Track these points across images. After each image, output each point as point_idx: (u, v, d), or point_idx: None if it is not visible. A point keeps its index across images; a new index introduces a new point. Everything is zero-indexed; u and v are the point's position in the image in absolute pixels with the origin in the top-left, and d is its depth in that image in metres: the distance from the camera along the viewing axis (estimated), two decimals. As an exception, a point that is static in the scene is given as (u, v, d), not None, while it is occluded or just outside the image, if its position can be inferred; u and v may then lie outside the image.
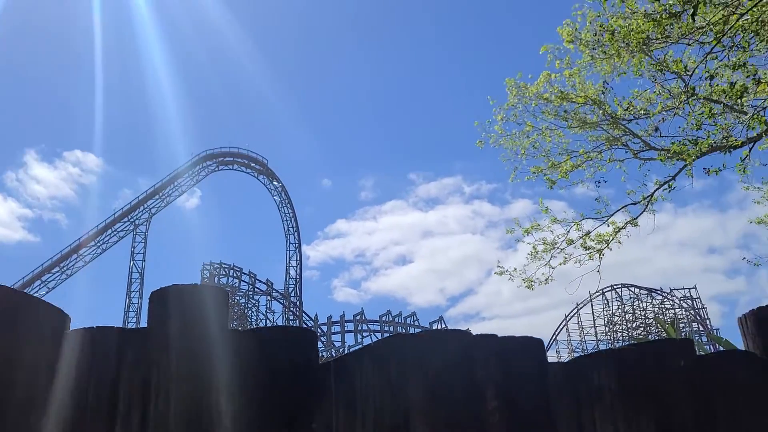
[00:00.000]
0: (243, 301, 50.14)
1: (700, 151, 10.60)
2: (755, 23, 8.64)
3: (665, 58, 11.14)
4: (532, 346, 1.65)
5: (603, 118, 13.44)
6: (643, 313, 53.18)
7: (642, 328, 51.51)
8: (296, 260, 55.34)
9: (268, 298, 51.45)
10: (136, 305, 47.12)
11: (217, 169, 54.02)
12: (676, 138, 11.95)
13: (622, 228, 13.64)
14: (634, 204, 13.54)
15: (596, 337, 52.47)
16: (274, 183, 55.50)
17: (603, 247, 13.73)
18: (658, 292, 53.33)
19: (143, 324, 1.72)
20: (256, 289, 51.13)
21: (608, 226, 13.74)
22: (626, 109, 12.50)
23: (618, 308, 53.85)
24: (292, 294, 53.48)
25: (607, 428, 1.53)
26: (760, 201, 14.55)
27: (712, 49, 9.09)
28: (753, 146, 10.55)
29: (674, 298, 52.91)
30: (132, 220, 49.24)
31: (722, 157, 10.87)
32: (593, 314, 53.37)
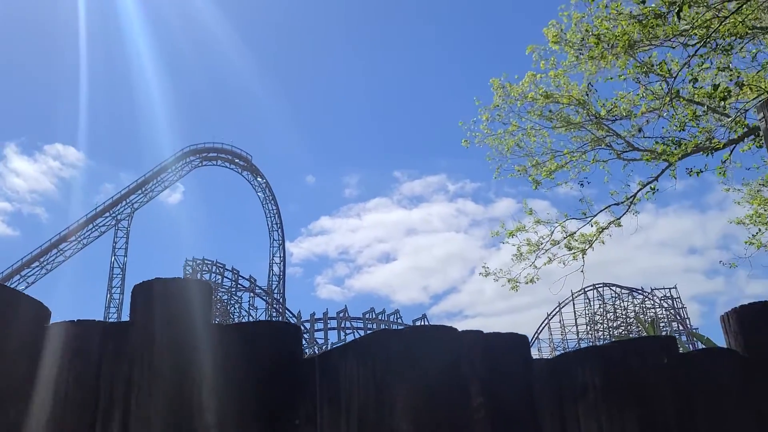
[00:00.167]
0: (226, 297, 49.89)
1: (684, 152, 10.73)
2: (740, 25, 8.76)
3: (649, 60, 11.25)
4: (517, 343, 1.65)
5: (587, 119, 13.55)
6: (624, 313, 53.77)
7: (623, 327, 52.05)
8: (280, 257, 55.19)
9: (251, 294, 51.25)
10: (117, 301, 46.70)
11: (200, 164, 53.67)
12: (659, 139, 12.09)
13: (605, 228, 13.77)
14: (617, 204, 13.68)
15: (578, 335, 52.93)
16: (258, 179, 55.26)
17: (587, 248, 13.85)
18: (639, 291, 53.94)
19: (124, 320, 1.70)
20: (239, 286, 50.90)
21: (592, 226, 13.87)
22: (610, 111, 12.60)
23: (599, 307, 54.39)
24: (276, 291, 53.31)
25: (590, 425, 1.54)
26: (740, 202, 14.76)
27: (696, 51, 9.20)
28: (734, 148, 10.69)
29: (655, 297, 53.54)
30: (114, 215, 48.76)
31: (703, 158, 11.02)
32: (575, 313, 53.85)
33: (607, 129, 13.46)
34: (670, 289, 53.31)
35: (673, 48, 10.78)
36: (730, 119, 9.95)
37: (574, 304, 53.36)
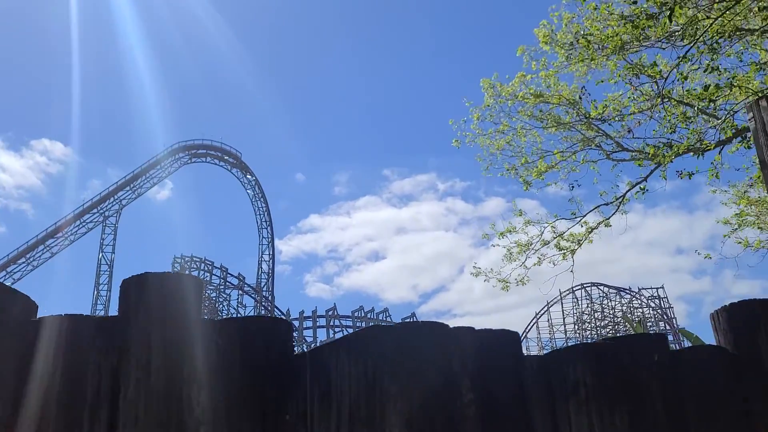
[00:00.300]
0: (214, 295, 49.69)
1: (675, 154, 10.81)
2: (728, 23, 8.82)
3: (640, 61, 11.31)
4: (509, 339, 1.65)
5: (577, 119, 13.60)
6: (611, 312, 54.12)
7: (610, 327, 52.39)
8: (269, 254, 55.06)
9: (240, 292, 51.08)
10: (105, 298, 46.42)
11: (189, 161, 53.39)
12: (649, 140, 12.17)
13: (594, 228, 13.85)
14: (607, 204, 13.76)
15: (566, 334, 53.21)
16: (248, 176, 55.06)
17: (576, 247, 13.93)
18: (627, 291, 54.30)
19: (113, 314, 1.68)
20: (227, 283, 50.72)
21: (581, 226, 13.94)
22: (601, 112, 12.66)
23: (587, 306, 54.69)
24: (264, 288, 53.17)
25: (581, 421, 1.54)
26: (726, 203, 14.90)
27: (687, 51, 9.26)
28: (722, 149, 10.78)
29: (642, 297, 53.92)
30: (102, 211, 48.41)
31: (692, 159, 11.10)
32: (563, 312, 54.12)
33: (597, 129, 13.53)
34: (657, 288, 53.75)
35: (663, 49, 10.85)
36: (720, 120, 10.03)
37: (562, 303, 53.64)
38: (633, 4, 9.44)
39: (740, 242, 13.72)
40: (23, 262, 45.46)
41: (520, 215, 14.43)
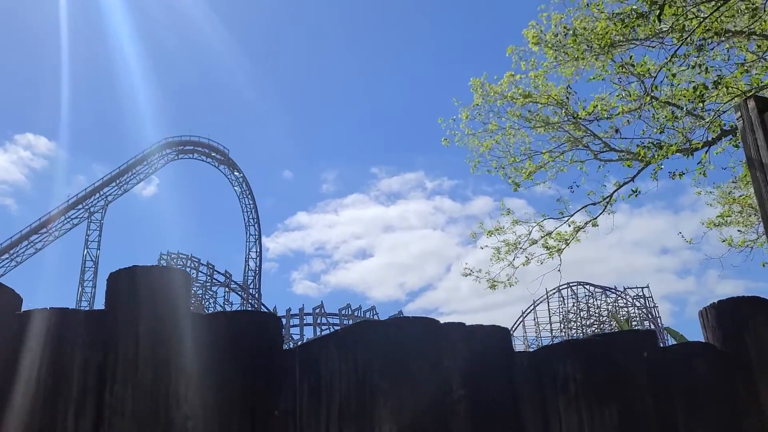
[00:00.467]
0: (200, 292, 49.42)
1: (665, 155, 10.88)
2: (715, 22, 8.89)
3: (629, 60, 11.37)
4: (499, 335, 1.64)
5: (565, 119, 13.66)
6: (597, 311, 54.48)
7: (596, 326, 52.76)
8: (256, 252, 54.84)
9: (227, 289, 50.85)
10: (89, 294, 46.01)
11: (176, 157, 53.02)
12: (636, 140, 12.24)
13: (581, 228, 13.93)
14: (594, 204, 13.84)
15: (551, 333, 53.51)
16: (235, 173, 54.81)
17: (564, 247, 14.00)
18: (612, 290, 54.69)
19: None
20: (214, 281, 50.46)
21: (569, 226, 14.02)
22: (589, 112, 12.72)
23: (573, 305, 55.03)
24: (251, 286, 52.98)
25: (571, 417, 1.54)
26: (712, 204, 15.05)
27: (676, 51, 9.32)
28: (709, 149, 10.88)
29: (627, 296, 54.33)
30: (87, 207, 47.95)
31: (679, 159, 11.19)
32: (549, 311, 54.42)
33: (585, 129, 13.61)
34: (642, 288, 54.22)
35: (652, 48, 10.92)
36: (708, 119, 10.11)
37: (548, 302, 53.94)
38: (624, 1, 9.50)
39: (724, 240, 13.87)
40: (6, 258, 44.97)
41: (508, 214, 14.49)
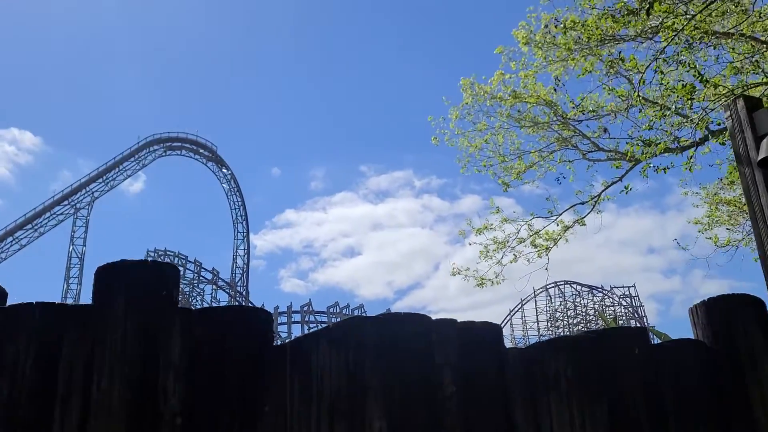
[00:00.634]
0: (188, 289, 49.13)
1: (654, 153, 10.94)
2: (703, 22, 8.94)
3: (619, 58, 11.40)
4: (491, 332, 1.64)
5: (554, 119, 13.71)
6: (584, 310, 54.81)
7: (583, 324, 53.07)
8: (244, 249, 54.61)
9: (214, 287, 50.60)
10: (75, 291, 45.61)
11: (164, 154, 52.67)
12: (624, 140, 12.31)
13: (570, 227, 14.00)
14: (582, 204, 13.91)
15: (539, 331, 53.76)
16: (224, 170, 54.53)
17: (552, 245, 14.06)
18: (599, 289, 55.03)
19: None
20: (201, 278, 50.20)
21: (557, 225, 14.08)
22: (579, 110, 12.76)
23: (560, 304, 55.32)
24: (239, 283, 52.77)
25: (562, 414, 1.54)
26: (698, 204, 15.18)
27: (664, 49, 9.37)
28: (696, 148, 10.96)
29: (614, 295, 54.71)
30: (73, 203, 47.50)
31: (665, 158, 11.26)
32: (536, 310, 54.66)
33: (574, 129, 13.67)
34: (629, 287, 54.62)
35: (642, 44, 10.97)
36: (697, 117, 10.17)
37: (535, 301, 54.16)
38: None
39: (710, 239, 14.00)
40: (-9, 254, 44.47)
41: (498, 212, 14.52)
